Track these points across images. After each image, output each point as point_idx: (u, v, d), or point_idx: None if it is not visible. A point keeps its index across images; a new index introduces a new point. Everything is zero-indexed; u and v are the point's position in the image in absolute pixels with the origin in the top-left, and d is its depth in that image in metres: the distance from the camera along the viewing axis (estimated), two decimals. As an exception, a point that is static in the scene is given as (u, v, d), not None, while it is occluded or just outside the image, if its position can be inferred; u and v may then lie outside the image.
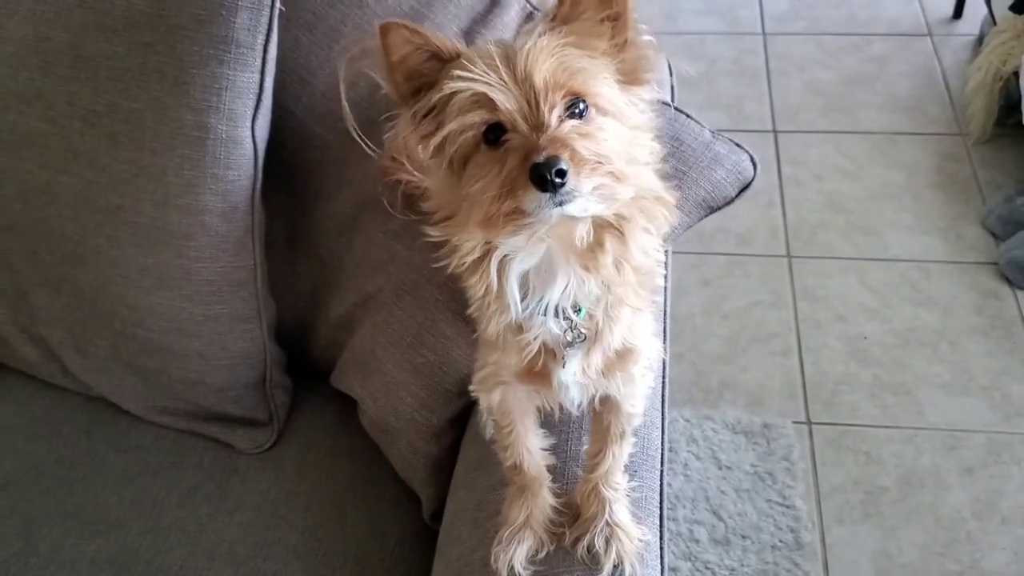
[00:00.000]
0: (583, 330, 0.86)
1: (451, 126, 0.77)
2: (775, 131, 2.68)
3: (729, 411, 2.04)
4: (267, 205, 1.27)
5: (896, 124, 2.68)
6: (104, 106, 1.17)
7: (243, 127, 1.17)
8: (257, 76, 1.15)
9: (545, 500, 1.01)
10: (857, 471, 1.92)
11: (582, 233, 0.78)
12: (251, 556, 1.23)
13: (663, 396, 1.11)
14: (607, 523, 0.98)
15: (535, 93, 0.74)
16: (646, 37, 0.81)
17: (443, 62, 0.79)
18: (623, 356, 0.90)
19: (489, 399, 0.96)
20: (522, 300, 0.82)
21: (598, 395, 0.93)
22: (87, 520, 1.28)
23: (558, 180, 0.71)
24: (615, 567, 0.96)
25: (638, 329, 0.90)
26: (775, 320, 2.22)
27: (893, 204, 2.47)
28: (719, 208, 1.21)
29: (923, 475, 1.91)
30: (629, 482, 1.01)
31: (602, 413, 0.97)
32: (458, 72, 0.76)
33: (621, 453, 0.99)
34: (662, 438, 1.06)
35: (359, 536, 1.25)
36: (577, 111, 0.76)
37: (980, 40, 2.77)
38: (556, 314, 0.84)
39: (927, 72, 2.85)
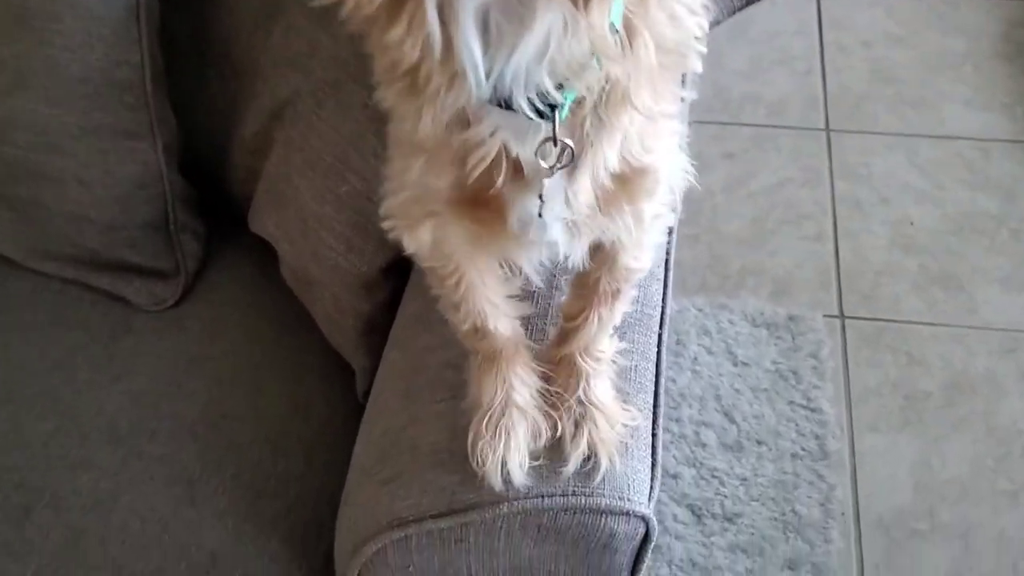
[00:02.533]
0: (567, 142, 0.55)
1: None
2: (817, -9, 2.37)
3: (750, 301, 1.80)
4: (168, -10, 0.97)
5: (957, -15, 2.35)
6: None
7: None
8: None
9: (527, 364, 0.74)
10: (896, 373, 1.69)
11: None
12: (134, 434, 0.98)
13: (669, 235, 0.82)
14: (580, 401, 0.71)
15: None
16: None
17: None
18: (631, 181, 0.60)
19: (414, 240, 0.65)
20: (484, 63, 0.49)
21: (585, 242, 0.64)
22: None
23: None
24: (586, 459, 0.68)
25: (653, 140, 0.59)
26: (809, 200, 1.97)
27: (950, 75, 2.20)
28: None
29: (974, 380, 1.67)
30: (619, 343, 0.73)
31: (590, 265, 0.68)
32: None
33: (611, 316, 0.72)
34: (664, 291, 0.77)
35: (276, 413, 1.00)
36: None
37: None
38: (528, 91, 0.51)
39: (996, -74, 2.49)
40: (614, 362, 0.73)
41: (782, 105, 2.15)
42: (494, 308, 0.71)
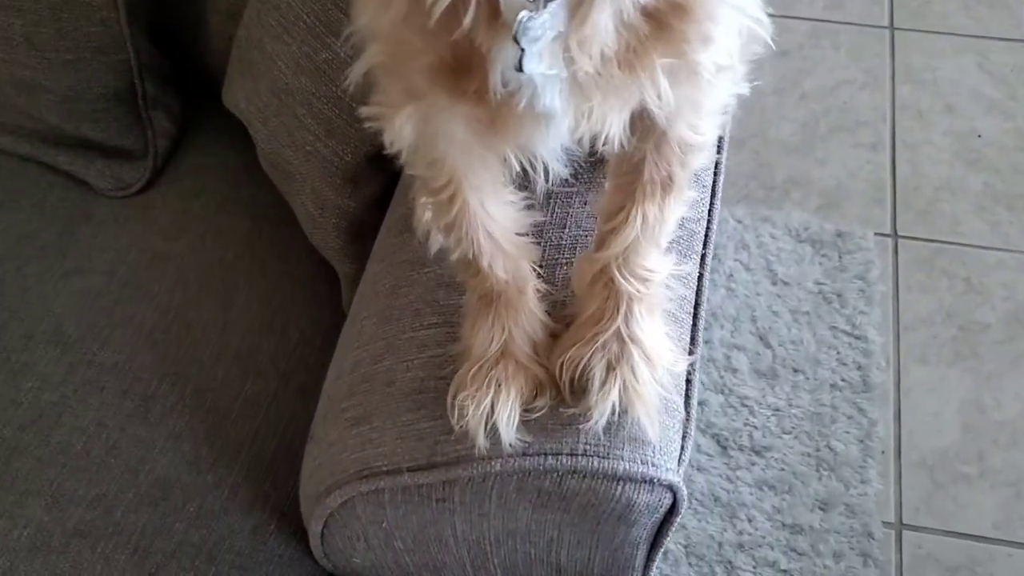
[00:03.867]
0: None
1: None
2: None
3: (795, 214, 1.67)
4: None
5: None
6: None
7: None
8: None
9: (532, 313, 0.59)
10: (952, 301, 1.57)
11: None
12: (85, 338, 0.86)
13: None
14: (617, 335, 0.56)
15: None
16: None
17: None
18: (668, 22, 0.45)
19: (395, 133, 0.51)
20: None
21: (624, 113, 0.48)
22: None
23: None
24: (614, 412, 0.54)
25: None
26: (866, 105, 1.83)
27: (1033, -30, 2.00)
28: None
29: (1039, 313, 1.56)
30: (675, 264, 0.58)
31: (631, 143, 0.53)
32: None
33: (660, 218, 0.56)
34: (711, 200, 0.62)
35: (248, 324, 0.88)
36: None
37: None
38: None
39: None
40: (668, 287, 0.57)
41: (843, -2, 2.00)
42: (493, 244, 0.56)
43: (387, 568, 0.67)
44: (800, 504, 1.34)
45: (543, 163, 0.52)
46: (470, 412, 0.55)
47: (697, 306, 0.60)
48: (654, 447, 0.54)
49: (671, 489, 0.54)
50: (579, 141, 0.50)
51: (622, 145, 0.49)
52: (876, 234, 1.64)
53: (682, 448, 0.55)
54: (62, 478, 0.77)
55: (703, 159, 0.53)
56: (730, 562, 1.31)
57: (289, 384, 0.83)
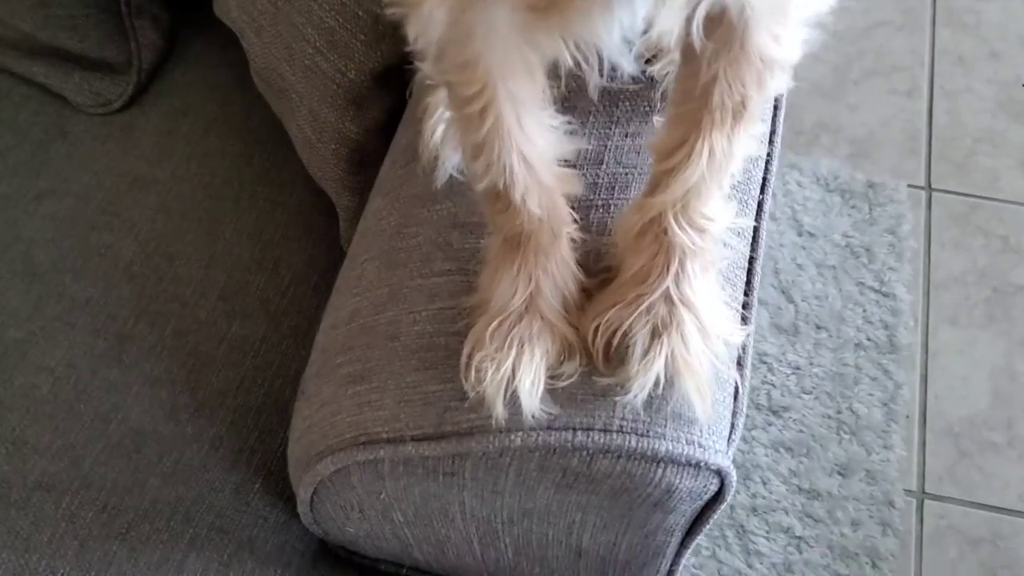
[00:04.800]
0: None
1: None
2: None
3: (824, 161, 1.60)
4: None
5: None
6: None
7: None
8: None
9: (565, 262, 0.51)
10: (987, 259, 1.51)
11: None
12: (56, 269, 0.79)
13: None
14: (666, 296, 0.48)
15: None
16: None
17: None
18: None
19: (422, 24, 0.43)
20: None
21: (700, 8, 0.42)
22: None
23: None
24: (657, 385, 0.46)
25: None
26: (903, 48, 1.76)
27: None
28: None
29: (1077, 275, 1.50)
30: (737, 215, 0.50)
31: (699, 58, 0.45)
32: None
33: (728, 152, 0.48)
34: (772, 134, 0.54)
35: (236, 260, 0.81)
36: None
37: None
38: None
39: None
40: (727, 246, 0.49)
41: (883, -68, 1.89)
42: (528, 171, 0.48)
43: (384, 539, 0.60)
44: (818, 468, 1.29)
45: (599, 58, 0.43)
46: (488, 376, 0.47)
47: (752, 262, 0.52)
48: (701, 426, 0.46)
49: (719, 474, 0.46)
50: (643, 35, 0.42)
51: (690, 52, 0.41)
52: (909, 186, 1.58)
53: (732, 427, 0.48)
54: (25, 424, 0.70)
55: (781, 82, 0.45)
56: (742, 526, 1.26)
57: (280, 327, 0.76)
